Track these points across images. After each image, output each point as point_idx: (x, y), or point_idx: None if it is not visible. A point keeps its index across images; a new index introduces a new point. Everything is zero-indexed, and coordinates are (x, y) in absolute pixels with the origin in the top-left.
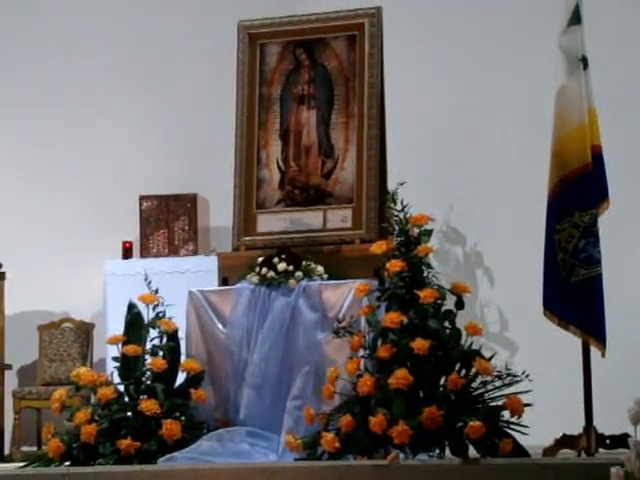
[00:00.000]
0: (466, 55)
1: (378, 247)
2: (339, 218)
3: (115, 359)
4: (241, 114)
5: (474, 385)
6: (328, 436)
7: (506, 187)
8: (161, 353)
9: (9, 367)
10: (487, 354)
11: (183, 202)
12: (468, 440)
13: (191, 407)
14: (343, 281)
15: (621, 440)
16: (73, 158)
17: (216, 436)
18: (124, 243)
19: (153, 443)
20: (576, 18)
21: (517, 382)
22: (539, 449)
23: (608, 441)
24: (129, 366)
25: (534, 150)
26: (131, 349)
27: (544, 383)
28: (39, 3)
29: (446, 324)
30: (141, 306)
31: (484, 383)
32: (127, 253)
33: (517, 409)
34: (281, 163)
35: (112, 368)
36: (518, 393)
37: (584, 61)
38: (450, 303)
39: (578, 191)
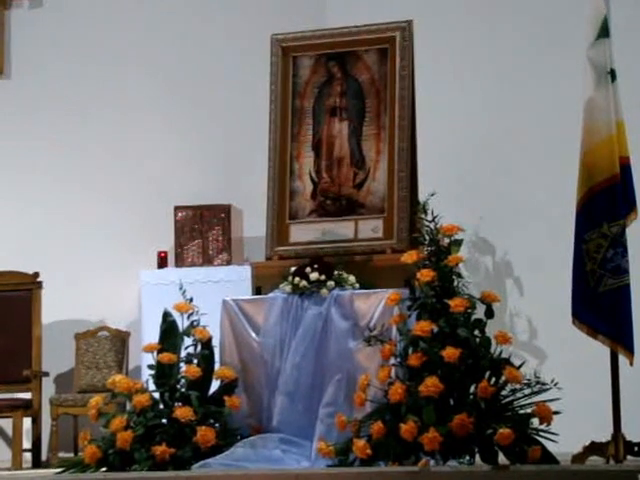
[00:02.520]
0: (497, 68)
1: (409, 257)
2: (370, 228)
3: (150, 367)
4: (274, 126)
5: (504, 393)
6: (360, 443)
7: (536, 197)
8: (195, 361)
9: (47, 375)
10: (516, 362)
11: (217, 212)
12: (498, 447)
13: (225, 414)
14: (374, 290)
15: None
16: (109, 169)
17: (249, 443)
18: (159, 253)
19: (187, 449)
20: (604, 31)
21: (546, 390)
22: (568, 456)
23: (636, 448)
24: (164, 374)
25: (564, 160)
26: (166, 357)
27: (573, 391)
28: (77, 12)
29: (476, 333)
30: (176, 315)
31: (513, 391)
32: (162, 263)
33: (546, 417)
34: (313, 174)
35: (147, 376)
36: (547, 401)
37: (612, 74)
38: (480, 312)
39: (606, 202)
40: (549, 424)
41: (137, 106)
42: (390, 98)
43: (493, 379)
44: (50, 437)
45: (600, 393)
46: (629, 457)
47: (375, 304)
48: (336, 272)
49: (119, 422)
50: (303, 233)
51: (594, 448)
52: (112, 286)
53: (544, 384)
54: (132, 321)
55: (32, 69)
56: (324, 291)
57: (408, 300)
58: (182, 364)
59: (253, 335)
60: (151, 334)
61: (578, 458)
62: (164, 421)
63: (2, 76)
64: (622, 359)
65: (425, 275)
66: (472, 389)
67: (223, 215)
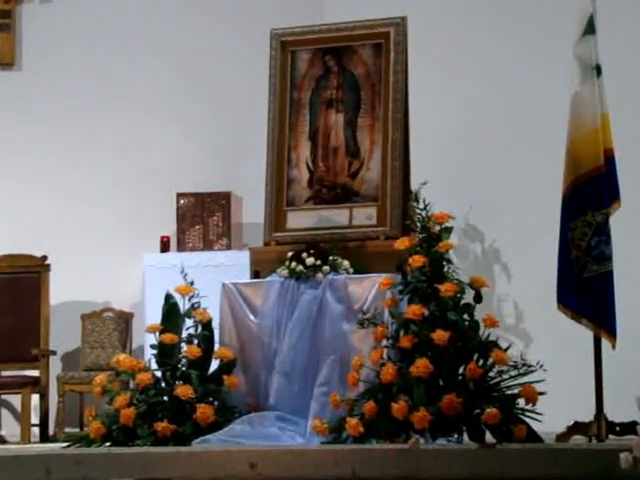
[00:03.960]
0: (487, 62)
1: (401, 243)
2: (364, 216)
3: (153, 347)
4: (273, 117)
5: (491, 374)
6: (352, 421)
7: (523, 187)
8: (196, 341)
9: (54, 353)
10: (504, 345)
11: (218, 199)
12: (485, 426)
13: (224, 392)
14: (368, 275)
15: (630, 427)
16: (115, 157)
17: (247, 420)
18: (162, 238)
19: (188, 426)
20: (590, 28)
21: (532, 372)
22: (552, 435)
23: (618, 428)
24: (166, 353)
25: (551, 151)
26: (168, 337)
27: (557, 373)
28: (84, 7)
29: (465, 316)
30: (177, 297)
31: (500, 372)
32: (165, 247)
33: (532, 397)
34: (310, 163)
35: (150, 355)
36: (533, 382)
37: (598, 69)
38: (469, 297)
39: (591, 192)
40: (534, 404)
41: (143, 97)
42: (384, 91)
43: (481, 361)
44: (57, 413)
45: (583, 375)
46: (611, 436)
47: (368, 288)
48: (331, 257)
49: (123, 399)
50: (300, 220)
51: (577, 428)
52: (117, 269)
53: (530, 366)
54: (136, 303)
55: (42, 61)
56: (319, 275)
57: (400, 285)
58: (183, 344)
59: (251, 317)
60: (153, 315)
61: (562, 437)
62: (165, 399)
63: (14, 68)
64: (605, 342)
65: (416, 261)
66: (461, 370)
67: (223, 202)
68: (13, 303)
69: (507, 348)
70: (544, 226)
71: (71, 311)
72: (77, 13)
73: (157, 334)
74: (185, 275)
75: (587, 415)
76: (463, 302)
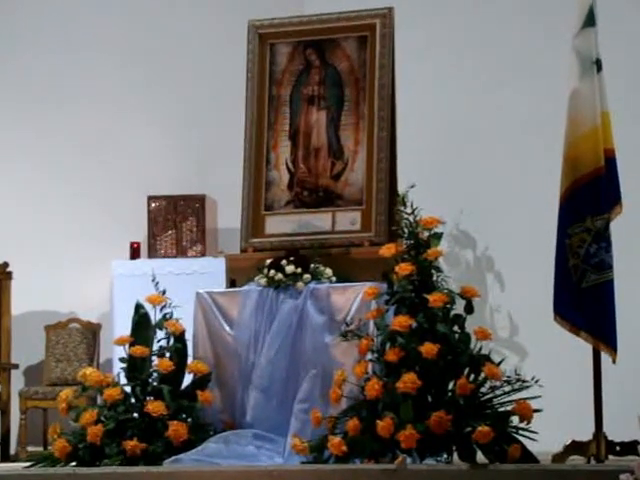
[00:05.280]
0: (479, 57)
1: (387, 250)
2: (348, 220)
3: (122, 360)
4: (250, 114)
5: (483, 390)
6: (335, 440)
7: (518, 190)
8: (168, 354)
9: (16, 367)
10: (496, 359)
11: (191, 203)
12: (476, 445)
13: (197, 409)
14: (351, 284)
15: (631, 447)
16: (81, 157)
17: (222, 438)
18: (132, 243)
19: (159, 444)
20: (590, 20)
21: (526, 387)
22: (548, 455)
23: (618, 448)
24: (136, 367)
25: (547, 153)
26: (138, 350)
27: (554, 389)
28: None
29: (455, 328)
30: (148, 307)
31: (493, 388)
32: (135, 253)
33: (526, 414)
34: (290, 164)
35: (119, 369)
36: (527, 399)
37: (598, 64)
38: (460, 307)
39: (590, 195)
40: (529, 422)
41: (110, 94)
42: (369, 87)
43: (472, 376)
44: (19, 430)
45: (582, 391)
46: (610, 457)
47: (352, 298)
48: (312, 265)
49: (89, 416)
50: (279, 225)
51: (575, 447)
52: (83, 277)
53: (524, 381)
54: (103, 313)
55: (8, 56)
56: (300, 284)
57: (386, 294)
58: (154, 357)
59: (227, 329)
60: (123, 326)
61: (559, 457)
62: (135, 415)
63: None
64: (605, 357)
65: (404, 269)
66: (451, 386)
67: (197, 205)
68: None
69: (500, 362)
70: (540, 232)
71: (34, 322)
72: (47, 7)
73: (126, 347)
74: (157, 283)
75: (585, 434)
76: (453, 313)
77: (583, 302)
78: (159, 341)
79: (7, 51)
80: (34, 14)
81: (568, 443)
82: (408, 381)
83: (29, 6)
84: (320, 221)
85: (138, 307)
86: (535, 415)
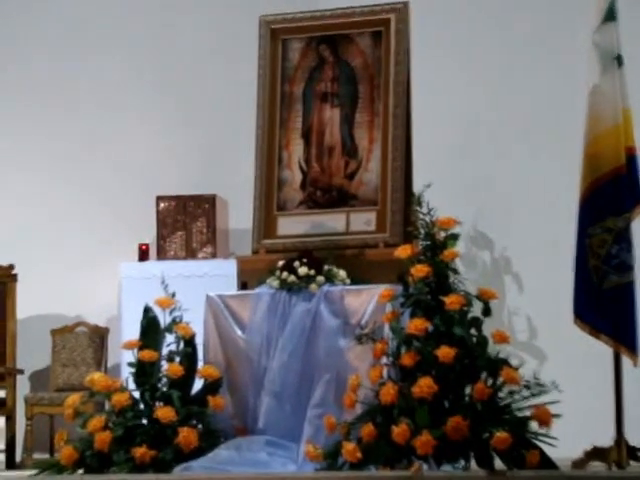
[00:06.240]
0: (496, 53)
1: (403, 251)
2: (363, 221)
3: (130, 365)
4: (262, 112)
5: (501, 395)
6: (349, 446)
7: (537, 190)
8: (178, 359)
9: (21, 372)
10: (515, 363)
11: (201, 203)
12: (494, 451)
13: (208, 415)
14: (366, 286)
15: None
16: (89, 157)
17: (234, 445)
18: (140, 245)
19: (169, 452)
20: (611, 15)
21: (545, 392)
22: (568, 461)
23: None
24: (145, 372)
25: (566, 152)
26: (147, 354)
27: (573, 393)
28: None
29: (472, 332)
30: (157, 310)
31: (511, 393)
32: (143, 255)
33: (545, 420)
34: (303, 163)
35: (127, 374)
36: (546, 403)
37: (619, 59)
38: (477, 310)
39: (611, 194)
40: (548, 428)
41: (117, 93)
42: (384, 84)
43: (490, 380)
44: (25, 437)
45: (602, 395)
46: (632, 463)
47: (367, 301)
48: (326, 267)
49: (97, 422)
50: (292, 225)
51: (595, 453)
52: (91, 280)
53: (543, 386)
54: (111, 316)
55: (10, 57)
56: (313, 287)
57: (401, 297)
58: (164, 362)
59: (238, 332)
60: (131, 330)
61: (579, 464)
62: (144, 422)
63: None
64: (625, 360)
65: (419, 270)
66: (468, 390)
67: (207, 206)
68: None
69: (519, 366)
70: (560, 233)
71: (40, 326)
72: (50, 6)
73: (135, 351)
74: (166, 286)
75: (606, 439)
76: (470, 316)
77: (603, 304)
78: (169, 345)
79: (16, 55)
80: (42, 18)
81: (588, 449)
82: (424, 386)
83: (37, 10)
84: (334, 222)
85: (147, 310)
86: (554, 420)
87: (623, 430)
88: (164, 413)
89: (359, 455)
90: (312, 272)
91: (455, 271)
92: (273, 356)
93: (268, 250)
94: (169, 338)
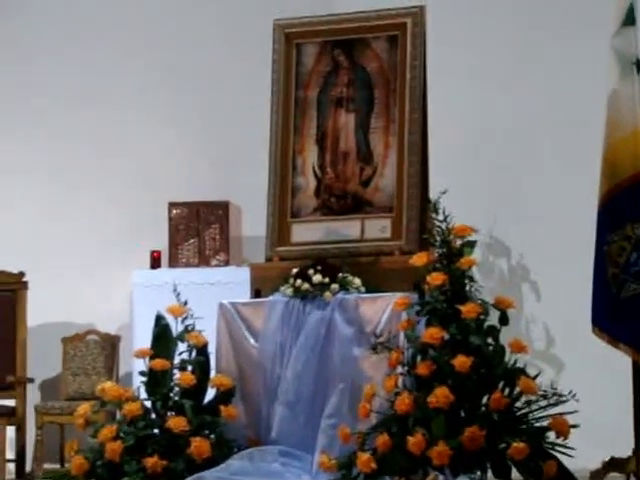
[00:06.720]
0: (514, 59)
1: (418, 259)
2: (378, 228)
3: (142, 373)
4: (276, 118)
5: (518, 405)
6: (364, 456)
7: (554, 196)
8: (190, 368)
9: (31, 381)
10: (532, 372)
11: (214, 210)
12: (511, 462)
13: (221, 424)
14: (381, 294)
15: None
16: (100, 163)
17: (247, 455)
18: (152, 252)
19: (181, 462)
20: (630, 19)
21: (563, 402)
22: (586, 472)
23: None
24: (156, 381)
25: (584, 158)
26: (159, 363)
27: (592, 403)
28: (72, 3)
29: (489, 340)
30: (169, 318)
31: (528, 403)
32: (155, 263)
33: (563, 430)
34: (317, 169)
35: (139, 383)
36: (564, 413)
37: (638, 64)
38: (494, 318)
39: (630, 201)
40: (566, 438)
41: (129, 97)
42: (400, 89)
43: (507, 390)
44: (35, 447)
45: (620, 405)
46: None
47: (382, 309)
48: (340, 274)
49: (108, 432)
50: (306, 232)
51: (614, 464)
52: (102, 287)
53: (561, 396)
54: (123, 324)
55: (22, 59)
56: (327, 294)
57: (417, 305)
58: (176, 371)
59: (252, 341)
60: (143, 338)
61: (597, 475)
62: (156, 431)
63: None
64: None
65: (435, 279)
66: (484, 400)
67: (221, 212)
68: None
69: (536, 376)
70: (578, 240)
71: (51, 334)
72: (63, 9)
73: (147, 359)
74: (178, 294)
75: (625, 450)
76: (487, 325)
77: (622, 313)
78: (181, 354)
79: (23, 57)
80: (50, 20)
81: (607, 460)
82: (440, 395)
83: (47, 13)
84: (348, 229)
85: (159, 318)
86: (572, 431)
87: None
88: (176, 423)
89: (374, 466)
90: (326, 280)
91: (472, 279)
92: (287, 365)
93: (282, 257)
94: (181, 346)
